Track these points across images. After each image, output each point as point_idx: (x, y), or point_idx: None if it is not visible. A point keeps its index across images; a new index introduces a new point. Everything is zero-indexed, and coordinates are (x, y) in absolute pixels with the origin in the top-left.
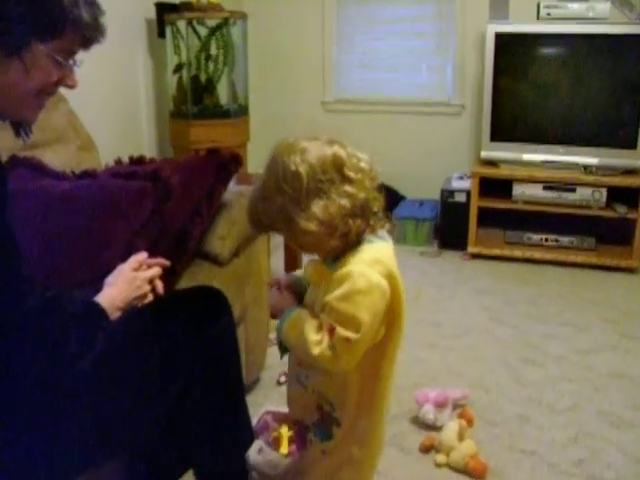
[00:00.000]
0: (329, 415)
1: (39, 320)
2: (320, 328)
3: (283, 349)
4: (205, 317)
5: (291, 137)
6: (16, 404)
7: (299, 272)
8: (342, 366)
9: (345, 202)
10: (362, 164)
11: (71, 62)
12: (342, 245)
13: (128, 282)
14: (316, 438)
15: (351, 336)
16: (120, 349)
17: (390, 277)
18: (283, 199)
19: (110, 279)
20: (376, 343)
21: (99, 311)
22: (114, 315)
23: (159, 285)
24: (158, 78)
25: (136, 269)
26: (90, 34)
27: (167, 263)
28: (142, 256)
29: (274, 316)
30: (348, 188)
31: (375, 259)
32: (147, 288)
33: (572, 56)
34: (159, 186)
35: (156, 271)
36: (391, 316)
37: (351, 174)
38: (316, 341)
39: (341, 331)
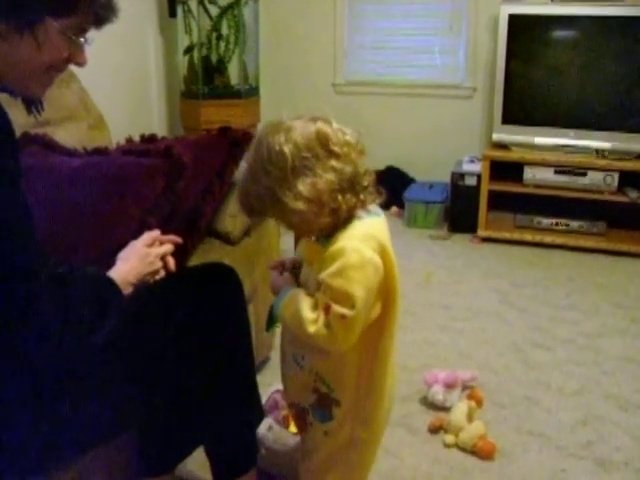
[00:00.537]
0: (327, 396)
1: (52, 294)
2: (316, 307)
3: (269, 324)
4: (216, 294)
5: (275, 118)
6: (29, 379)
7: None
8: (339, 344)
9: (331, 176)
10: (347, 137)
11: (82, 40)
12: (333, 222)
13: (141, 258)
14: (316, 420)
15: (346, 312)
16: (132, 325)
17: (383, 252)
18: (270, 180)
19: (123, 254)
20: (373, 321)
21: (111, 286)
22: (126, 290)
23: (171, 262)
24: (169, 58)
25: (149, 245)
26: (103, 13)
27: (179, 240)
28: (155, 233)
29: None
30: (334, 163)
31: (367, 234)
32: (159, 264)
33: (586, 38)
34: (171, 163)
35: (168, 248)
36: (386, 292)
37: (336, 148)
38: (312, 319)
39: (336, 308)
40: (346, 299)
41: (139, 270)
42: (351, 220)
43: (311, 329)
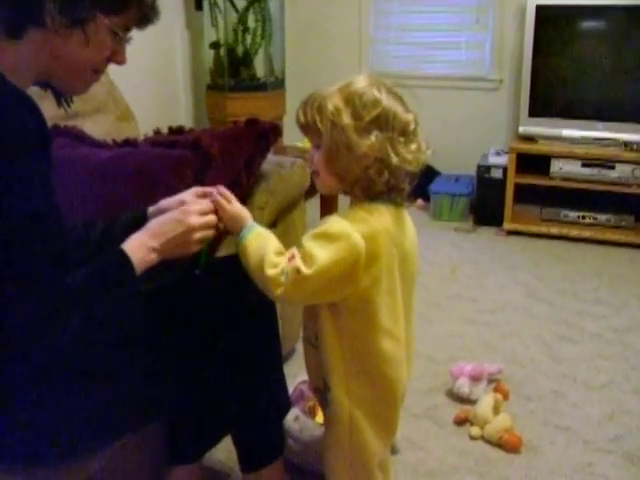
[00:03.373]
0: (325, 382)
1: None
2: (281, 253)
3: (201, 264)
4: (244, 285)
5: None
6: (53, 368)
7: None
8: (284, 294)
9: (393, 156)
10: (422, 144)
11: (126, 38)
12: (360, 188)
13: (165, 219)
14: (325, 405)
15: (303, 269)
16: (160, 314)
17: (371, 239)
18: (346, 108)
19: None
20: (352, 309)
21: (123, 265)
22: (148, 257)
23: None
24: (195, 51)
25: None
26: (149, 14)
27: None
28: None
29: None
30: (402, 147)
31: (362, 219)
32: (195, 220)
33: (615, 29)
34: (199, 155)
35: (201, 206)
36: (367, 281)
37: (411, 137)
38: (273, 263)
39: (298, 261)
40: (309, 259)
41: (163, 232)
42: (365, 203)
43: (269, 272)
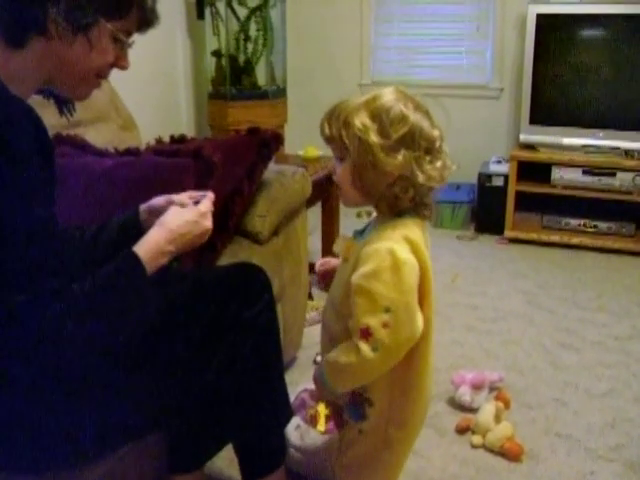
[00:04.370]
0: (360, 395)
1: (46, 306)
2: (349, 342)
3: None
4: (246, 293)
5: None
6: (55, 378)
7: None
8: (394, 355)
9: (419, 174)
10: (447, 160)
11: (128, 43)
12: (386, 205)
13: (183, 222)
14: (350, 419)
15: (386, 319)
16: (161, 324)
17: (418, 254)
18: (373, 124)
19: (162, 219)
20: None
21: (133, 266)
22: (161, 261)
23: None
24: (197, 59)
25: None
26: (150, 17)
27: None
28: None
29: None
30: (428, 166)
31: (404, 236)
32: (208, 224)
33: (615, 38)
34: (201, 164)
35: (209, 204)
36: (419, 296)
37: (436, 153)
38: (346, 349)
39: (374, 322)
40: (382, 302)
41: (180, 234)
42: (394, 219)
43: (352, 358)
